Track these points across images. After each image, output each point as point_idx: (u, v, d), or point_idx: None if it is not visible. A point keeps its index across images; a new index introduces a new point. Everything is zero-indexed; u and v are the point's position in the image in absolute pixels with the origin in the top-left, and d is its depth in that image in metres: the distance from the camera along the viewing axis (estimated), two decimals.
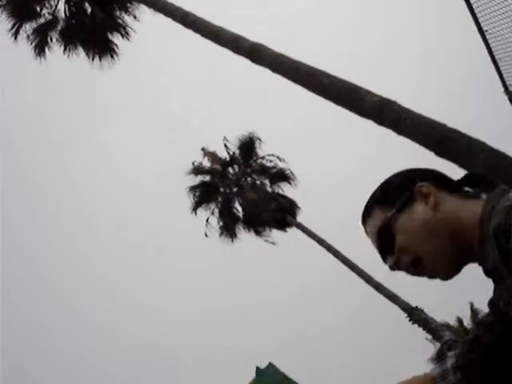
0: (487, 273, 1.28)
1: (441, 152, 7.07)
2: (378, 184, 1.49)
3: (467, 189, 1.41)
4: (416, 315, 17.45)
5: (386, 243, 1.39)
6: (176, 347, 48.04)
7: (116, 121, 52.52)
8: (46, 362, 44.75)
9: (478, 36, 6.16)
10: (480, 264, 1.29)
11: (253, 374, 16.25)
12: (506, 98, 7.29)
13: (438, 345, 19.28)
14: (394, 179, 1.46)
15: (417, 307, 17.71)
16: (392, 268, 1.41)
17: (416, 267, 1.36)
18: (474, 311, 26.06)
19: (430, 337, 19.31)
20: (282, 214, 24.91)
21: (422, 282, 1.46)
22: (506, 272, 1.10)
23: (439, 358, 23.82)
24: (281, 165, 26.64)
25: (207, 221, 26.44)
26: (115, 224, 52.85)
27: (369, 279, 18.80)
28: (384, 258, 1.43)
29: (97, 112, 50.93)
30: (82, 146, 54.08)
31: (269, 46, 8.69)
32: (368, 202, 1.47)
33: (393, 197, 1.40)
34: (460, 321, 26.01)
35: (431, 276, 1.38)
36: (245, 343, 47.64)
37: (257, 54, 8.60)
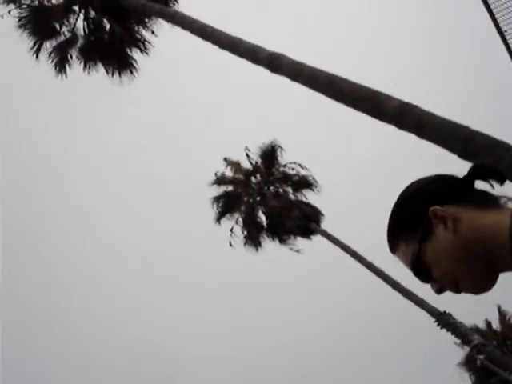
0: None
1: (464, 154, 7.03)
2: (392, 209, 1.46)
3: (479, 189, 1.39)
4: (444, 320, 17.28)
5: (423, 275, 1.39)
6: (181, 346, 48.10)
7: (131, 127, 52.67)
8: (46, 362, 44.99)
9: (498, 37, 6.13)
10: None
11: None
12: None
13: (467, 349, 19.07)
14: (407, 206, 1.43)
15: (445, 312, 17.54)
16: (439, 294, 1.42)
17: (459, 287, 1.36)
18: (501, 313, 25.76)
19: (458, 341, 19.06)
20: (305, 222, 24.90)
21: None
22: None
23: (469, 361, 23.56)
24: (303, 172, 26.69)
25: (231, 230, 26.56)
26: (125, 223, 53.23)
27: (395, 285, 18.68)
28: (428, 283, 1.43)
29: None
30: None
31: (287, 54, 8.72)
32: (388, 234, 1.46)
33: (411, 227, 1.38)
34: (489, 324, 25.70)
35: (475, 293, 1.38)
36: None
37: (275, 63, 8.63)
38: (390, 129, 7.69)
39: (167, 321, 49.36)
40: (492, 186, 1.37)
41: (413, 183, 1.45)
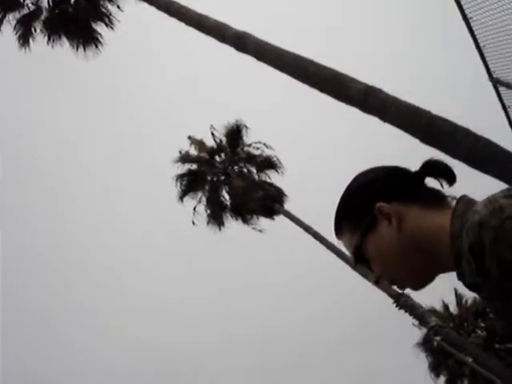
0: (469, 287, 1.28)
1: (425, 139, 7.12)
2: (341, 198, 1.47)
3: (428, 187, 1.40)
4: (402, 301, 17.55)
5: (364, 264, 1.42)
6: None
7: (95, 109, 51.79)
8: (46, 362, 44.65)
9: (463, 23, 6.19)
10: (459, 279, 1.28)
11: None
12: (490, 84, 7.34)
13: (425, 330, 19.47)
14: (355, 197, 1.43)
15: (403, 293, 17.79)
16: (376, 285, 1.47)
17: (395, 282, 1.40)
18: (458, 296, 26.32)
19: (416, 323, 19.42)
20: (269, 202, 24.96)
21: None
22: (488, 291, 1.11)
23: (426, 343, 24.09)
24: (268, 152, 26.65)
25: (194, 209, 26.49)
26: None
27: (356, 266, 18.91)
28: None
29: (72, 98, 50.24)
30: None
31: (253, 34, 8.67)
32: (335, 221, 1.48)
33: (357, 219, 1.39)
34: (446, 306, 26.25)
35: (411, 289, 1.42)
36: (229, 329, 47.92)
37: (241, 42, 8.58)
38: (356, 112, 7.74)
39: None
40: (442, 185, 1.38)
41: (364, 174, 1.46)
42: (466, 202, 1.26)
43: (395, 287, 1.44)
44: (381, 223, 1.35)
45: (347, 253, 1.50)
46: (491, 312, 1.27)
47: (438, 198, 1.36)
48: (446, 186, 1.38)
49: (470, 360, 18.20)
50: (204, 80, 49.75)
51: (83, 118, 50.81)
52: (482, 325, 25.35)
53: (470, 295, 25.40)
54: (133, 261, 52.15)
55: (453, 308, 26.25)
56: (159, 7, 9.89)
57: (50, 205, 51.14)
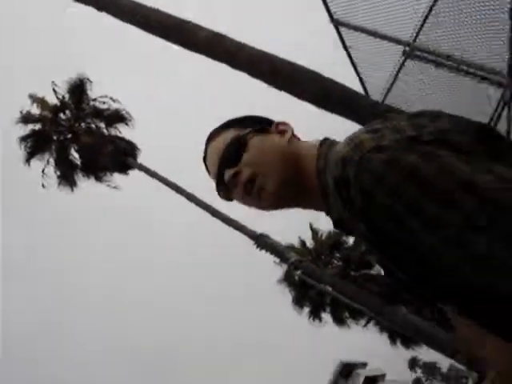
0: (335, 224, 1.35)
1: (272, 81, 7.24)
2: (231, 119, 1.51)
3: None
4: (263, 241, 18.05)
5: (231, 156, 1.40)
6: None
7: None
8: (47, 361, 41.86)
9: None
10: (327, 214, 1.36)
11: None
12: (332, 27, 7.50)
13: (285, 266, 20.26)
14: (249, 117, 1.51)
15: (262, 234, 18.30)
16: (227, 181, 1.41)
17: (251, 184, 1.37)
18: (313, 231, 27.55)
19: (277, 260, 20.12)
20: (121, 157, 24.36)
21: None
22: (355, 221, 1.11)
23: (287, 278, 25.15)
24: (115, 106, 25.81)
25: (43, 172, 25.22)
26: None
27: (215, 213, 19.11)
28: (220, 174, 1.43)
29: None
30: None
31: None
32: (224, 122, 1.49)
33: (250, 123, 1.45)
34: (303, 242, 27.42)
35: (257, 199, 1.40)
36: None
37: None
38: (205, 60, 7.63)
39: None
40: None
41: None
42: (329, 143, 1.36)
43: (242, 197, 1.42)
44: (272, 134, 1.44)
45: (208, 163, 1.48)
46: (363, 244, 1.31)
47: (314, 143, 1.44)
48: None
49: (330, 289, 19.21)
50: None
51: None
52: (338, 255, 26.89)
53: (325, 229, 26.76)
54: None
55: (309, 243, 27.52)
56: None
57: None
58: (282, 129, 1.45)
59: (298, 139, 1.47)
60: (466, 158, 0.98)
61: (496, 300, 0.90)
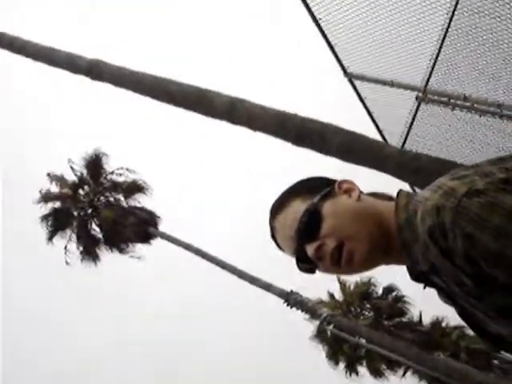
0: (418, 276, 1.30)
1: (297, 141, 7.29)
2: (293, 184, 1.50)
3: None
4: (293, 299, 17.87)
5: (309, 229, 1.36)
6: None
7: None
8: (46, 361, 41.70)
9: (313, 25, 6.38)
10: (410, 270, 1.31)
11: None
12: (346, 80, 7.63)
13: (317, 322, 19.93)
14: (312, 179, 1.50)
15: (292, 291, 18.13)
16: (312, 256, 1.37)
17: (338, 252, 1.33)
18: (341, 283, 27.16)
19: (307, 317, 19.82)
20: (142, 227, 24.48)
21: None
22: (452, 270, 1.09)
23: (320, 333, 24.70)
24: (132, 176, 26.11)
25: (65, 248, 25.34)
26: None
27: (242, 274, 19.00)
28: (300, 250, 1.39)
29: None
30: None
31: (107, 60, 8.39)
32: (284, 193, 1.47)
33: (315, 189, 1.42)
34: (331, 295, 27.01)
35: (349, 265, 1.35)
36: None
37: (96, 70, 8.27)
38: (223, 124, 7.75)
39: None
40: None
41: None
42: (405, 194, 1.34)
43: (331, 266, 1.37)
44: (339, 196, 1.41)
45: (284, 234, 1.43)
46: (444, 298, 1.34)
47: (382, 195, 1.47)
48: None
49: (364, 342, 18.86)
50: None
51: None
52: (368, 306, 26.41)
53: (352, 280, 26.39)
54: None
55: (338, 295, 27.09)
56: (1, 45, 9.19)
57: None
58: (346, 187, 1.43)
59: (362, 193, 1.45)
60: None
61: None
